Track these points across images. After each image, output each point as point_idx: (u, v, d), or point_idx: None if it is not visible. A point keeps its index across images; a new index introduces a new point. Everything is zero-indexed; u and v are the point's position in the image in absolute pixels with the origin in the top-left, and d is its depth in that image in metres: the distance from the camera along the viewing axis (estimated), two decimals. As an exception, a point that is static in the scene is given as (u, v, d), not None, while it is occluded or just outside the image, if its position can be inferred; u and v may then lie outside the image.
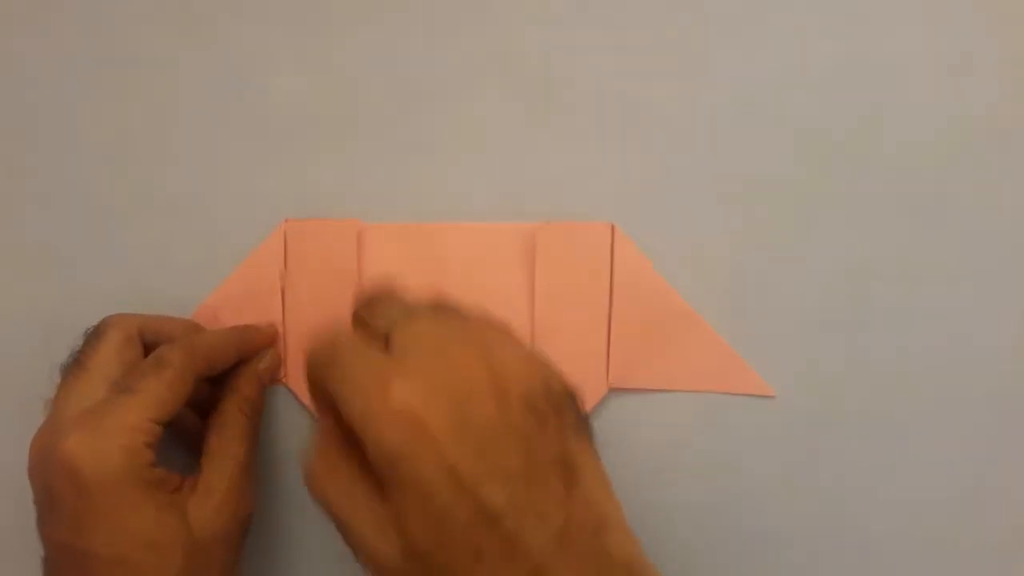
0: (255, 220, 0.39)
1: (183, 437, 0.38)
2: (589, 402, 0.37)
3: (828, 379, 0.37)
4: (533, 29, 0.38)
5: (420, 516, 0.27)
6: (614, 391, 0.38)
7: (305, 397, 0.39)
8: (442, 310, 0.31)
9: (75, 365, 0.35)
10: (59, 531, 0.33)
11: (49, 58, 0.40)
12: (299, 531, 0.40)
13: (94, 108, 0.40)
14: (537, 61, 0.38)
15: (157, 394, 0.34)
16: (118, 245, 0.40)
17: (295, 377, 0.39)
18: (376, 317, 0.31)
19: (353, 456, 0.29)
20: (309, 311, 0.39)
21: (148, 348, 0.37)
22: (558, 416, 0.28)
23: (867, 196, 0.37)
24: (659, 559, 0.36)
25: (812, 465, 0.37)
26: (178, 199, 0.40)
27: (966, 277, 0.36)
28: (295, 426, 0.40)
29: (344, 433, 0.29)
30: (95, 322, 0.37)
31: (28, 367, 0.40)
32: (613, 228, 0.37)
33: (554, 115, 0.38)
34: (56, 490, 0.32)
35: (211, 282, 0.40)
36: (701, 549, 0.38)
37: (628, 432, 0.38)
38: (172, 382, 0.34)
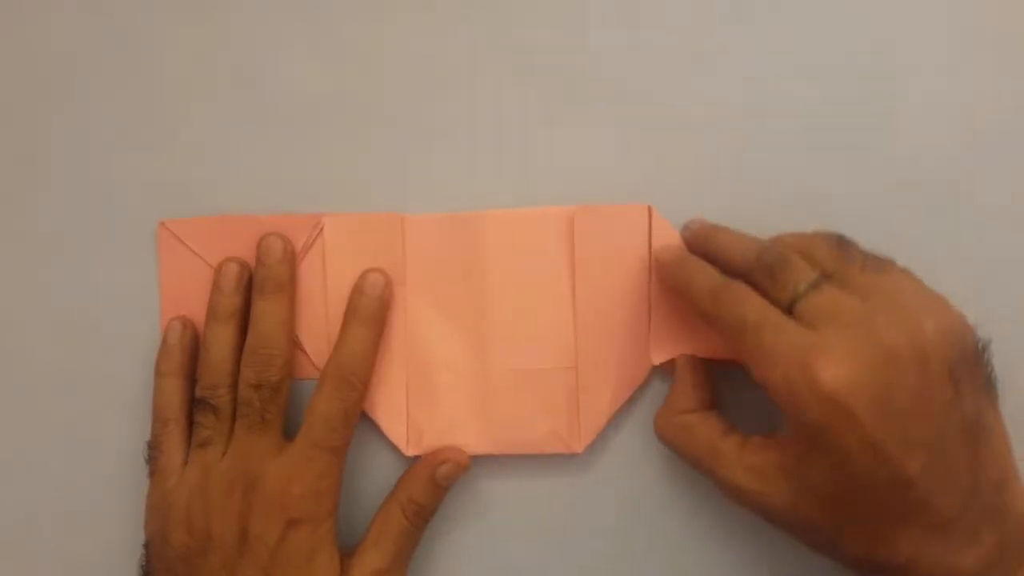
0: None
1: None
2: (634, 381, 0.38)
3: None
4: (551, 18, 0.39)
5: (830, 473, 0.30)
6: (658, 368, 0.38)
7: (376, 415, 0.38)
8: (842, 275, 0.32)
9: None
10: None
11: (60, 48, 0.40)
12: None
13: (105, 98, 0.40)
14: (555, 51, 0.39)
15: None
16: (131, 237, 0.40)
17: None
18: (779, 287, 0.32)
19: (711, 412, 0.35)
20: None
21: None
22: (972, 379, 0.30)
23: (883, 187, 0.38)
24: (704, 527, 0.38)
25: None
26: (194, 192, 0.39)
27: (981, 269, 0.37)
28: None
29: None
30: (108, 316, 0.39)
31: (36, 359, 0.40)
32: (650, 209, 0.38)
33: (573, 104, 0.39)
34: None
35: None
36: (747, 519, 0.38)
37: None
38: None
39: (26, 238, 0.40)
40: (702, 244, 0.36)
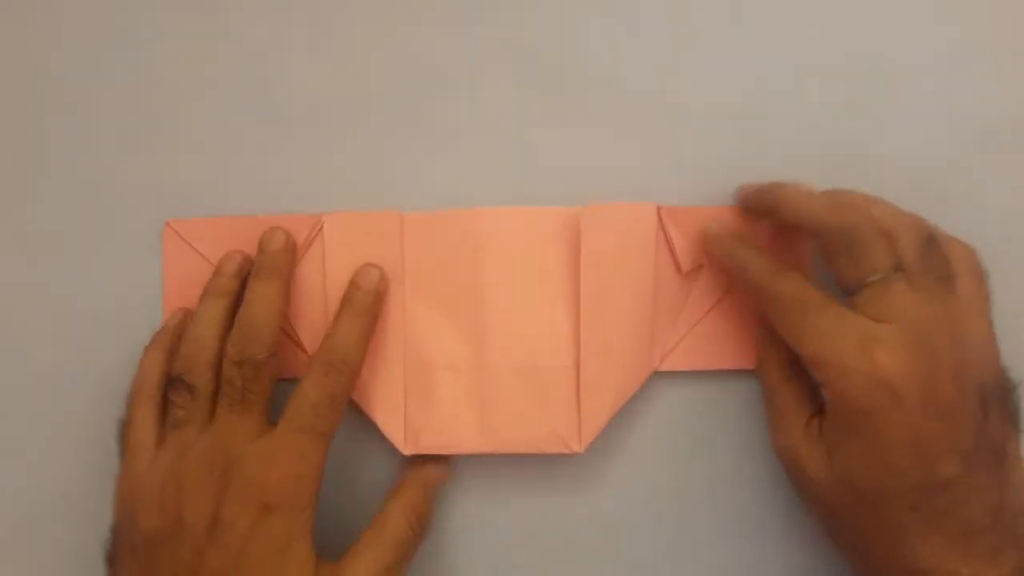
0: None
1: None
2: (636, 381, 0.38)
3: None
4: (550, 17, 0.39)
5: (869, 462, 0.31)
6: (659, 372, 0.38)
7: (373, 414, 0.38)
8: (915, 274, 0.32)
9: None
10: None
11: (63, 48, 0.40)
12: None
13: (109, 99, 0.40)
14: (555, 50, 0.39)
15: None
16: (134, 237, 0.39)
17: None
18: (850, 264, 0.32)
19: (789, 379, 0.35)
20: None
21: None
22: (1000, 409, 0.32)
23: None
24: (703, 526, 0.38)
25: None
26: (195, 192, 0.39)
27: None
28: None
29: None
30: (111, 316, 0.39)
31: (39, 357, 0.39)
32: (658, 208, 0.38)
33: (573, 103, 0.39)
34: None
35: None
36: (745, 522, 0.38)
37: (676, 412, 0.38)
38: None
39: (31, 238, 0.40)
40: (761, 200, 0.36)
